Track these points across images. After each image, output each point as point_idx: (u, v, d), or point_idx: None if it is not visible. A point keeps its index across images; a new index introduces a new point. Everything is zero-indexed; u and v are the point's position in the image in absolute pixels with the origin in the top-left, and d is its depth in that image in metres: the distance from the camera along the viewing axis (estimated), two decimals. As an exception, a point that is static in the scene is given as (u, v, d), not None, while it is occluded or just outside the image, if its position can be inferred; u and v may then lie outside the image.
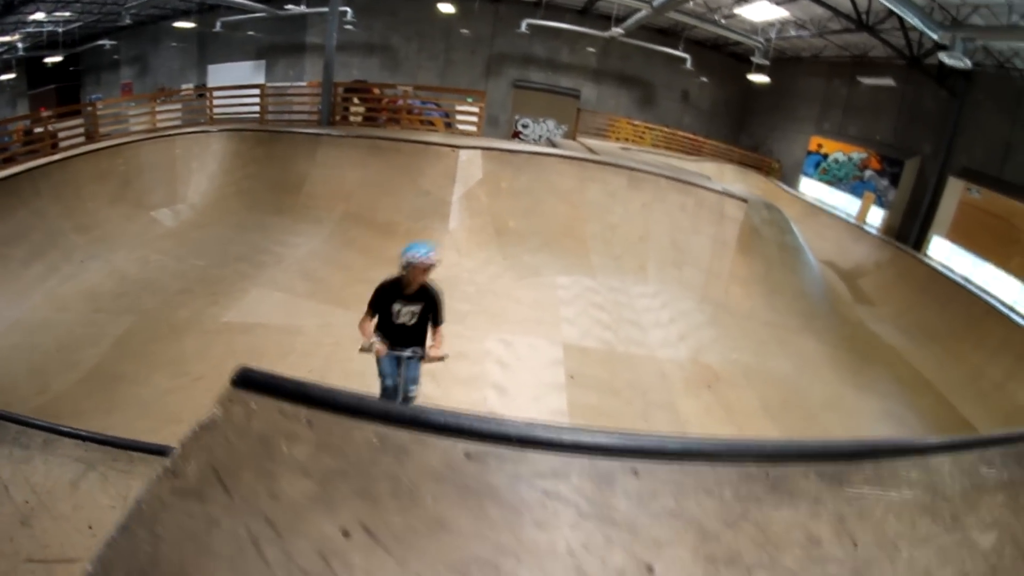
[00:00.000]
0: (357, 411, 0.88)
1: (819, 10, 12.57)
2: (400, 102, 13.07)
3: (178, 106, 12.11)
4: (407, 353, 3.56)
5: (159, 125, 9.80)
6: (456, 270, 7.47)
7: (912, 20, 9.14)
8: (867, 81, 15.05)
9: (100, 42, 20.16)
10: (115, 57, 20.90)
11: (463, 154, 8.80)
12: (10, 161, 7.75)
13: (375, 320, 3.55)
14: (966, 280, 11.47)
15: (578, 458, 0.89)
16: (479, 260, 8.08)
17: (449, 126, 12.49)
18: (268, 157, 9.21)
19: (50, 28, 18.63)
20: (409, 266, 3.36)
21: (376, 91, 13.34)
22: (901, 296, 10.39)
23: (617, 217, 8.26)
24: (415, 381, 3.71)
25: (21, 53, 20.07)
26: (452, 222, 8.54)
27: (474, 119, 11.31)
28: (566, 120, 18.62)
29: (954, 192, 12.79)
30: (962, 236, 12.40)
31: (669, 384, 6.11)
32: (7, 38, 18.82)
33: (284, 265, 7.26)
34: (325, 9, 10.57)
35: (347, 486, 0.81)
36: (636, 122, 18.33)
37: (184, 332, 5.68)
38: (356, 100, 12.27)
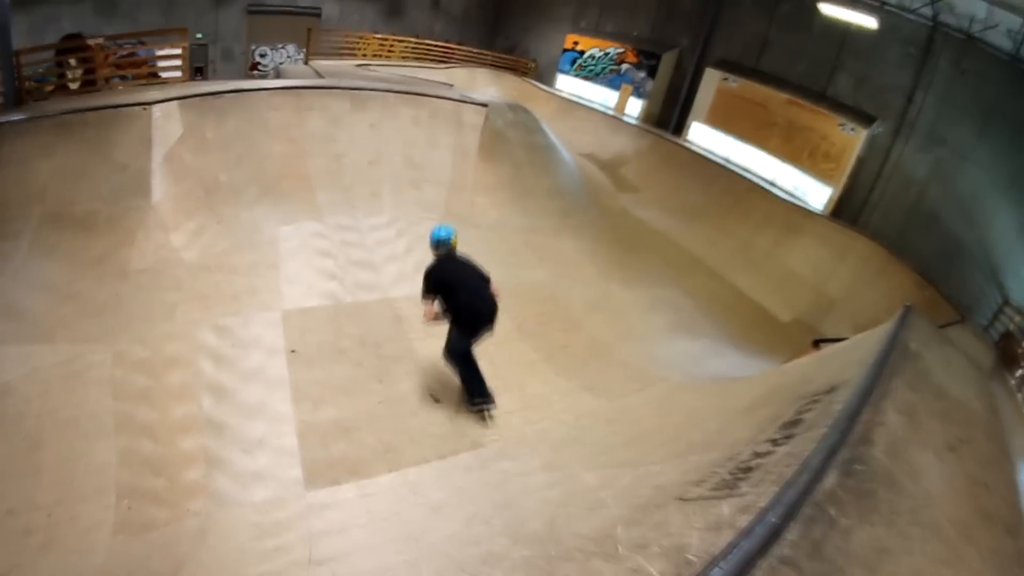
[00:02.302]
0: None
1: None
2: (130, 54, 10.18)
3: None
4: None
5: None
6: (164, 252, 5.95)
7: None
8: (623, -20, 15.14)
9: None
10: None
11: (156, 110, 6.85)
12: None
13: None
14: (727, 161, 12.24)
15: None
16: (189, 232, 6.45)
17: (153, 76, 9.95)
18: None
19: None
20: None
21: (94, 44, 10.19)
22: (665, 180, 10.64)
23: (342, 145, 7.03)
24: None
25: None
26: (155, 195, 6.69)
27: (177, 63, 9.07)
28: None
29: (711, 81, 13.51)
30: (721, 121, 13.18)
31: (405, 329, 5.24)
32: None
33: (-19, 302, 5.17)
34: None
35: None
36: (382, 35, 16.58)
37: None
38: (73, 62, 9.24)
